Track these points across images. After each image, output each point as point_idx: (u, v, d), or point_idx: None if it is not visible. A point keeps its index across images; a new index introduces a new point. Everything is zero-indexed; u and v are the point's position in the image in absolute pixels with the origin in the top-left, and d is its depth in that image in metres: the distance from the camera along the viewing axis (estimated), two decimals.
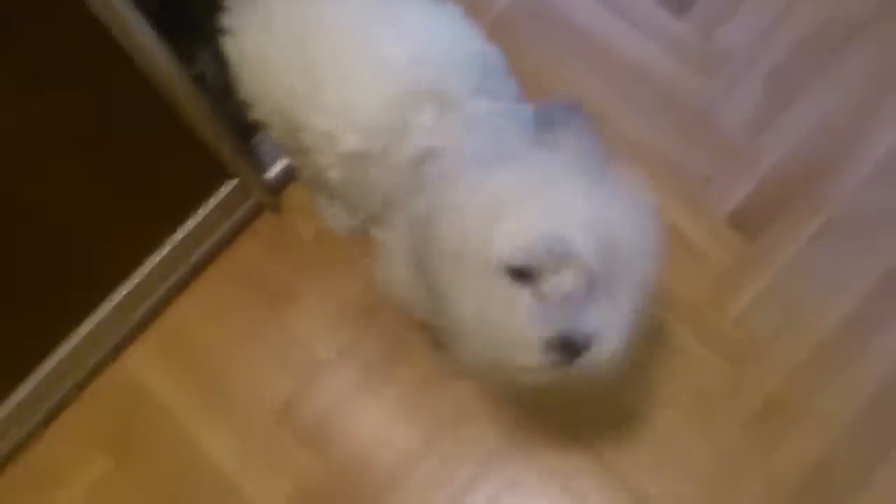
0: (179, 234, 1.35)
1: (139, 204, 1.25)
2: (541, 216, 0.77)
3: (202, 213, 1.35)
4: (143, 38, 0.99)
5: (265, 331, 1.39)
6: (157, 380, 1.38)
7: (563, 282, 0.76)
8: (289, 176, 1.44)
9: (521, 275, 0.77)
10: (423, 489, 1.29)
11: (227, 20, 1.08)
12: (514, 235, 0.77)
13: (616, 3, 1.49)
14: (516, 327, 0.77)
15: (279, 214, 1.45)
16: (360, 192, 1.01)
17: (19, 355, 1.27)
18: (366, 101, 0.93)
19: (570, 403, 1.26)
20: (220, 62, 1.13)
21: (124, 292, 1.32)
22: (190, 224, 1.35)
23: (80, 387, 1.38)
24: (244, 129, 1.38)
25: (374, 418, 1.33)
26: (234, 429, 1.34)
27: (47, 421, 1.36)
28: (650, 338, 1.26)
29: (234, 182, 1.35)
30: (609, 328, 0.78)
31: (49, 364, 1.29)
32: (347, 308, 1.39)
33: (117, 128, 1.12)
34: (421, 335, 1.31)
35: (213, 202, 1.35)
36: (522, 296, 0.77)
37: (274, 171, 1.42)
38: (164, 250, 1.34)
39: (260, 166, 1.39)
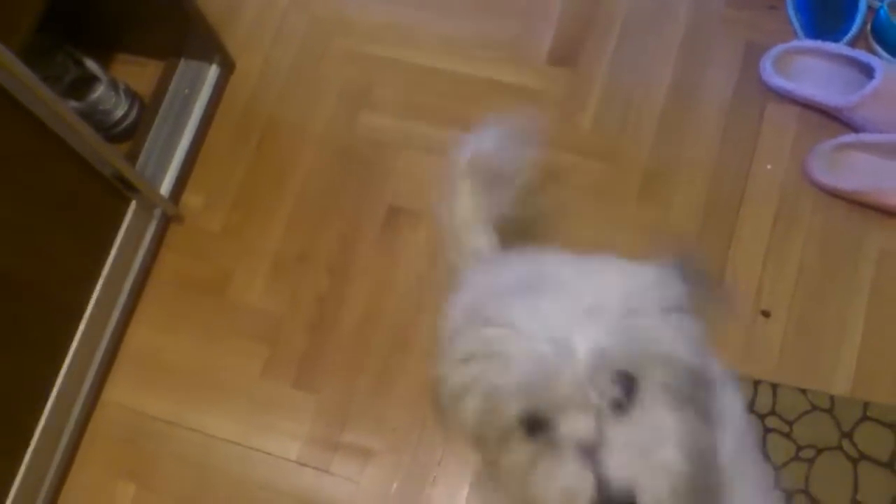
0: (106, 269, 1.46)
1: (63, 241, 1.37)
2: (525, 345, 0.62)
3: (118, 243, 1.47)
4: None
5: (219, 317, 1.50)
6: (143, 398, 1.47)
7: (575, 428, 0.60)
8: (181, 184, 1.58)
9: (536, 426, 0.62)
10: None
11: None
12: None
13: None
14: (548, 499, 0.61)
15: (183, 223, 1.58)
16: None
17: (18, 422, 1.35)
18: None
19: None
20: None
21: (80, 336, 1.42)
22: (111, 257, 1.47)
23: (79, 432, 1.45)
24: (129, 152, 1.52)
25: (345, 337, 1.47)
26: (230, 403, 1.44)
27: (64, 471, 1.42)
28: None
29: (133, 203, 1.48)
30: (652, 455, 0.61)
31: (44, 417, 1.37)
32: (279, 262, 1.52)
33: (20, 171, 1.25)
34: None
35: (122, 230, 1.48)
36: (543, 455, 0.61)
37: (166, 184, 1.55)
38: (99, 287, 1.45)
39: (152, 183, 1.52)
